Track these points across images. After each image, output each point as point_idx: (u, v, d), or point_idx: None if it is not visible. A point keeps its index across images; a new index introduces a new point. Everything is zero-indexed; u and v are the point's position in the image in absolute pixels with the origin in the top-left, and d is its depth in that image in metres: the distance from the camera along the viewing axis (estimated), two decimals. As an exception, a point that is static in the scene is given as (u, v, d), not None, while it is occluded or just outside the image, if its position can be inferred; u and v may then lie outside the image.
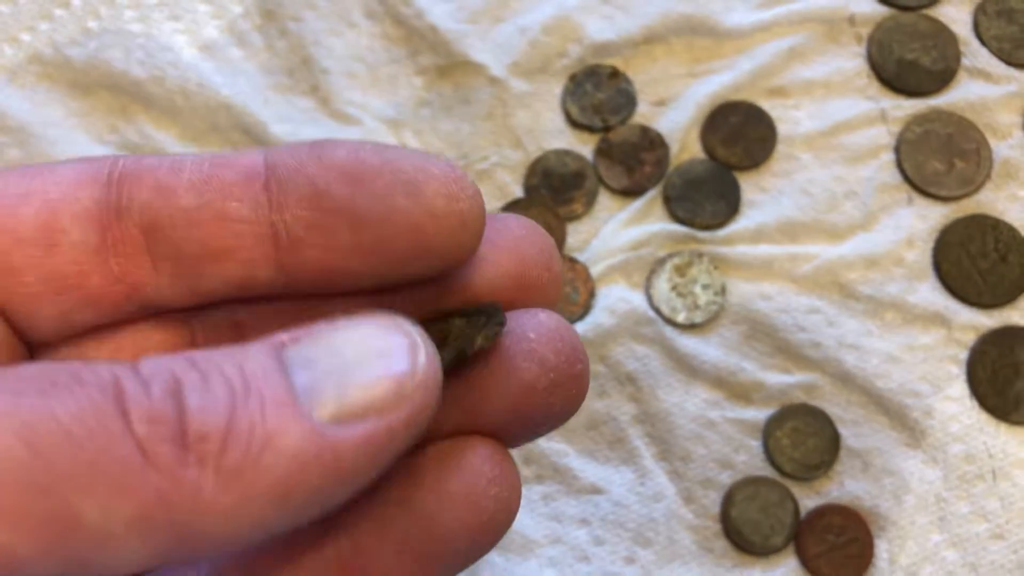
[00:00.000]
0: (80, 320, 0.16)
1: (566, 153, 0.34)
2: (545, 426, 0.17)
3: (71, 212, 0.16)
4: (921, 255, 0.33)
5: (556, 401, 0.16)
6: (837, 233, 0.33)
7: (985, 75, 0.35)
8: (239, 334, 0.18)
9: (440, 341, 0.16)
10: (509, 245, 0.17)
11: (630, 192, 0.34)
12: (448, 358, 0.16)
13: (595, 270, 0.33)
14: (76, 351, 0.17)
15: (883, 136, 0.35)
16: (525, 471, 0.31)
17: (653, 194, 0.34)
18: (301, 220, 0.15)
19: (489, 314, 0.16)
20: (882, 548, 0.31)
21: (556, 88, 0.35)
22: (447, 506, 0.16)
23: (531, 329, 0.16)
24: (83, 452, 0.12)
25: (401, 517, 0.16)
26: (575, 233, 0.34)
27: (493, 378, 0.16)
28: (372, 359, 0.14)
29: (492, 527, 0.16)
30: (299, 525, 0.14)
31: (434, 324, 0.16)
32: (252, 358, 0.13)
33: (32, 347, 0.17)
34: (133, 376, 0.13)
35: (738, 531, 0.31)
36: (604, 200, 0.34)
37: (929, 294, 0.33)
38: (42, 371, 0.12)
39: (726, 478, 0.31)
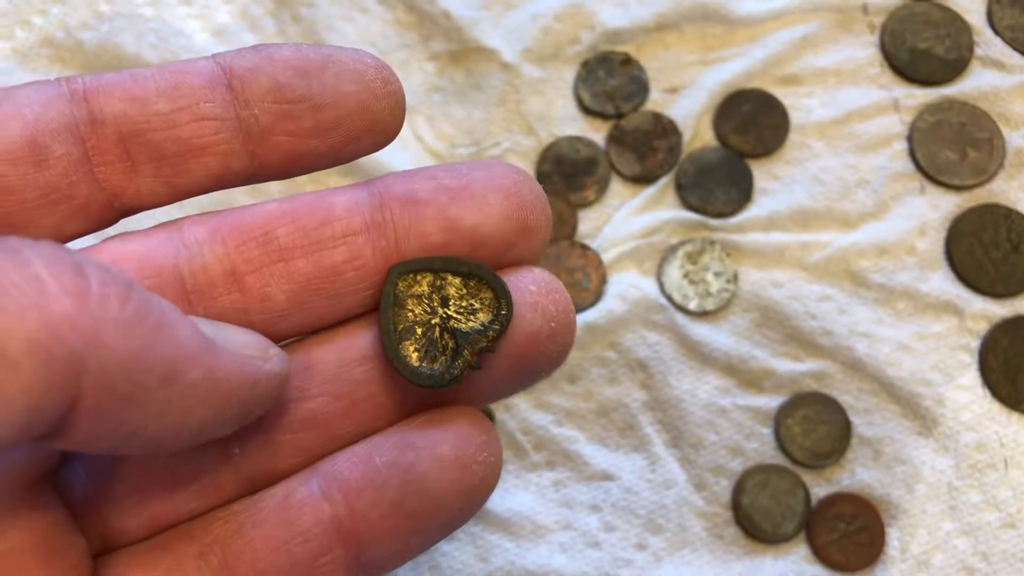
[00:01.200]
0: (70, 230, 0.18)
1: (578, 140, 0.34)
2: (544, 372, 0.19)
3: (49, 130, 0.17)
4: (933, 244, 0.33)
5: (555, 348, 0.18)
6: (849, 221, 0.33)
7: (999, 64, 0.35)
8: None
9: (453, 351, 0.18)
10: (510, 188, 0.18)
11: (642, 179, 0.34)
12: (460, 369, 0.18)
13: (607, 257, 0.33)
14: None
15: (896, 125, 0.34)
16: (536, 457, 0.31)
17: (665, 181, 0.34)
18: (268, 111, 0.18)
19: (496, 306, 0.18)
20: (893, 536, 0.30)
21: (568, 75, 0.35)
22: (440, 469, 0.17)
23: (531, 283, 0.18)
24: None
25: (395, 479, 0.17)
26: (587, 220, 0.34)
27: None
28: (240, 332, 0.17)
29: (482, 489, 0.18)
30: (163, 442, 0.15)
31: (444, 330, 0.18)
32: None
33: None
34: (24, 239, 0.13)
35: (749, 519, 0.31)
36: (616, 187, 0.34)
37: (941, 283, 0.33)
38: None
39: (737, 465, 0.31)
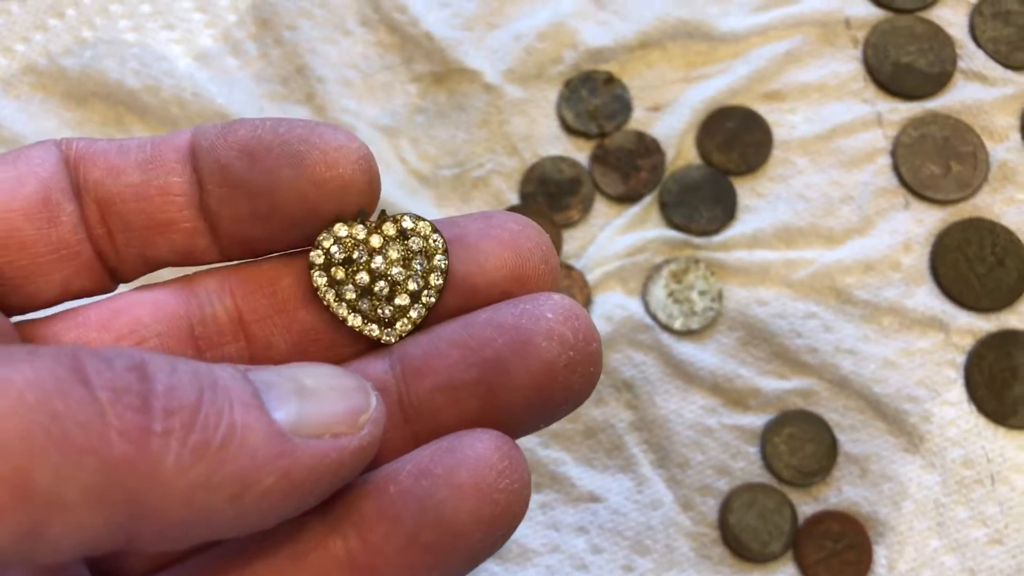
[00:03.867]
0: (77, 286, 0.18)
1: (562, 159, 0.34)
2: (565, 406, 0.17)
3: (59, 188, 0.17)
4: (918, 259, 0.33)
5: (575, 379, 0.17)
6: (834, 238, 0.33)
7: (981, 78, 0.35)
8: None
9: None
10: (506, 239, 0.18)
11: (626, 198, 0.34)
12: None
13: (591, 277, 0.33)
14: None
15: (879, 140, 0.34)
16: (523, 479, 0.31)
17: (649, 200, 0.34)
18: (213, 194, 0.17)
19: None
20: (881, 554, 0.30)
21: (551, 94, 0.35)
22: (457, 498, 0.16)
23: (548, 309, 0.17)
24: (37, 415, 0.12)
25: (411, 511, 0.16)
26: (571, 240, 0.34)
27: (516, 357, 0.17)
28: (330, 391, 0.15)
29: (505, 519, 0.16)
30: (240, 534, 0.14)
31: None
32: (219, 367, 0.14)
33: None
34: (94, 354, 0.13)
35: (736, 538, 0.31)
36: (600, 206, 0.34)
37: (926, 298, 0.33)
38: (10, 347, 0.13)
39: (724, 485, 0.31)
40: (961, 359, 0.32)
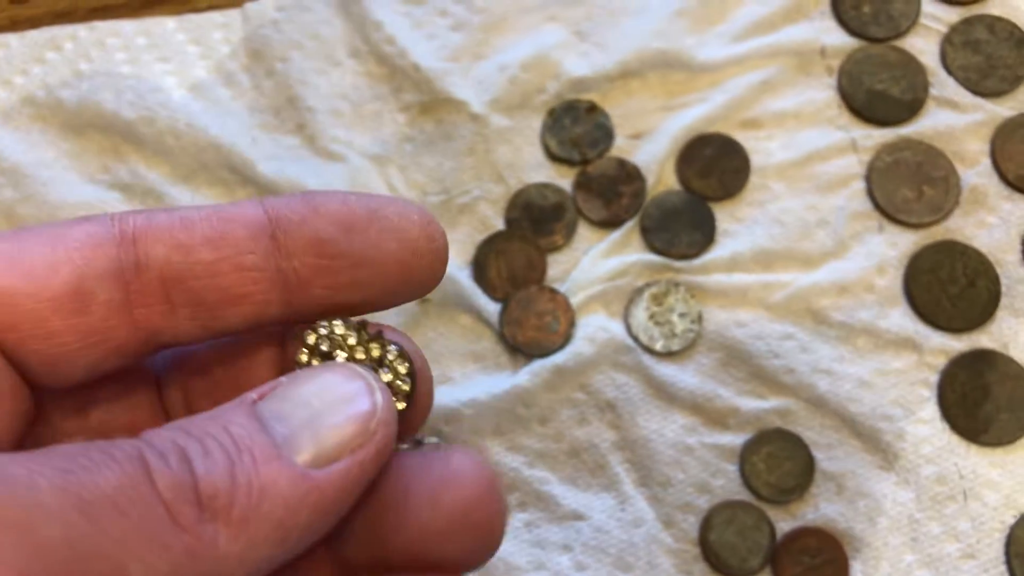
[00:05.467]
0: (106, 367, 0.18)
1: (546, 186, 0.35)
2: (463, 563, 0.18)
3: (95, 275, 0.17)
4: (892, 281, 0.34)
5: (470, 542, 0.18)
6: (810, 261, 0.34)
7: (953, 104, 0.36)
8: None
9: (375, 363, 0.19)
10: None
11: (608, 223, 0.35)
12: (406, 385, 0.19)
13: (575, 300, 0.34)
14: (83, 400, 0.19)
15: (854, 165, 0.36)
16: (508, 499, 0.32)
17: (631, 225, 0.35)
18: (308, 265, 0.18)
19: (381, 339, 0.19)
20: (857, 569, 0.31)
21: (535, 123, 0.36)
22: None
23: (448, 466, 0.18)
24: (127, 519, 0.14)
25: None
26: (555, 264, 0.35)
27: (410, 509, 0.18)
28: (338, 405, 0.16)
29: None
30: (297, 554, 0.16)
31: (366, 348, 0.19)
32: (234, 422, 0.16)
33: (36, 391, 0.18)
34: (150, 448, 0.15)
35: (716, 554, 0.31)
36: (583, 231, 0.35)
37: (900, 319, 0.34)
38: (79, 450, 0.14)
39: (704, 503, 0.32)
40: (934, 378, 0.33)
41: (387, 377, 0.19)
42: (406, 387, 0.19)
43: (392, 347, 0.19)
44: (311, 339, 0.18)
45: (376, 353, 0.19)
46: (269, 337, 0.20)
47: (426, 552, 0.17)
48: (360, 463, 0.16)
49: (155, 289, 0.18)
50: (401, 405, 0.18)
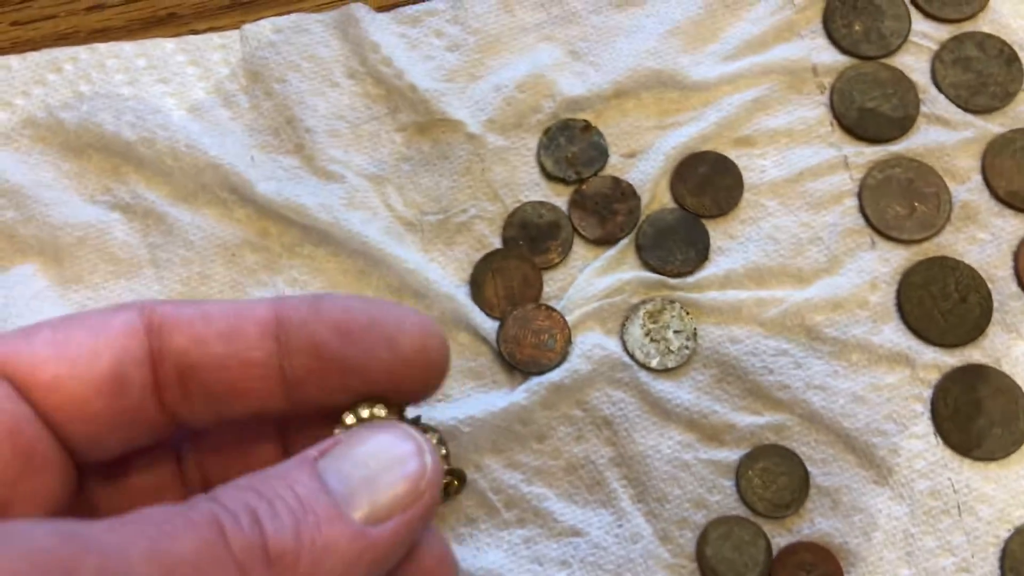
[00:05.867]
0: (137, 443, 0.20)
1: (541, 205, 0.36)
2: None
3: (131, 361, 0.19)
4: (885, 297, 0.35)
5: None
6: (803, 277, 0.35)
7: (943, 121, 0.37)
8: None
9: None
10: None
11: (604, 241, 0.35)
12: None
13: (571, 318, 0.34)
14: (115, 470, 0.21)
15: (846, 182, 0.36)
16: (507, 515, 0.33)
17: (626, 243, 0.35)
18: (303, 366, 0.19)
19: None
20: (852, 583, 0.32)
21: (531, 142, 0.36)
22: None
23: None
24: None
25: None
26: (552, 282, 0.35)
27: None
28: (392, 466, 0.18)
29: None
30: None
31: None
32: (299, 481, 0.17)
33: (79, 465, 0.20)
34: (224, 511, 0.16)
35: (713, 569, 0.32)
36: (579, 249, 0.35)
37: (893, 335, 0.34)
38: (162, 516, 0.16)
39: (701, 518, 0.32)
40: (927, 393, 0.34)
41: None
42: (444, 466, 0.20)
43: (431, 433, 0.20)
44: (350, 420, 0.19)
45: None
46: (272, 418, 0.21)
47: (391, 385, 0.19)
48: (410, 521, 0.18)
49: (173, 376, 0.19)
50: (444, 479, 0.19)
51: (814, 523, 0.32)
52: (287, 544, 0.16)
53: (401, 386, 0.19)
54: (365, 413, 0.19)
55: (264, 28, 0.37)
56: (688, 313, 0.34)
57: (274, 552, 0.16)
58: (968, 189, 0.36)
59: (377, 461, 0.18)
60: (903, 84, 0.37)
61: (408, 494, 0.18)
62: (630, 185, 0.36)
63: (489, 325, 0.34)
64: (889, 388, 0.34)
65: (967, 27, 0.38)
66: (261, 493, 0.17)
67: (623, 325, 0.34)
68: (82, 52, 0.37)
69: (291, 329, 0.19)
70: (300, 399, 0.20)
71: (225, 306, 0.19)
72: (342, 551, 0.16)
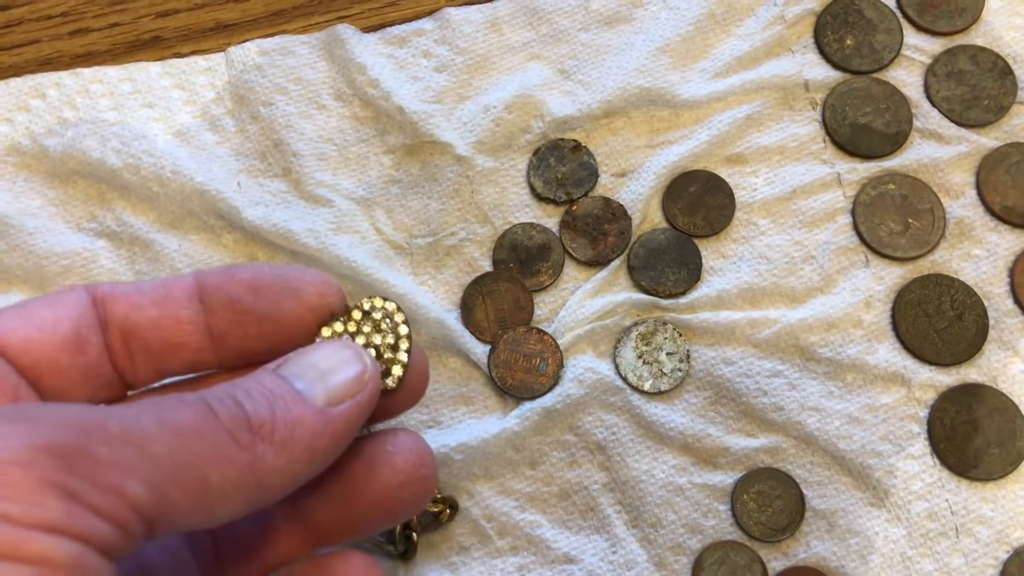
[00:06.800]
0: (99, 398, 0.23)
1: (532, 226, 0.35)
2: (400, 515, 0.24)
3: (86, 325, 0.23)
4: (879, 316, 0.34)
5: (407, 495, 0.24)
6: (796, 297, 0.34)
7: (937, 136, 0.36)
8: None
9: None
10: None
11: (595, 263, 0.35)
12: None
13: (563, 341, 0.34)
14: None
15: (839, 200, 0.36)
16: (500, 543, 0.32)
17: (617, 264, 0.35)
18: (223, 320, 0.23)
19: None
20: (849, 608, 0.31)
21: (520, 163, 0.36)
22: None
23: (389, 443, 0.24)
24: (204, 441, 0.19)
25: None
26: (543, 304, 0.35)
27: (363, 476, 0.23)
28: (339, 365, 0.22)
29: None
30: (314, 475, 0.21)
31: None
32: (266, 380, 0.21)
33: None
34: (210, 396, 0.20)
35: (708, 596, 0.31)
36: (570, 271, 0.35)
37: (888, 354, 0.34)
38: (160, 399, 0.20)
39: (696, 543, 0.32)
40: (923, 413, 0.33)
41: (379, 314, 0.24)
42: (403, 358, 0.24)
43: (364, 300, 0.24)
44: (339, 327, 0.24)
45: (358, 315, 0.24)
46: None
47: (387, 502, 0.23)
48: (359, 404, 0.22)
49: (119, 340, 0.23)
50: (399, 371, 0.24)
51: (810, 546, 0.32)
52: (264, 418, 0.20)
53: (308, 327, 0.23)
54: (328, 331, 0.24)
55: (250, 51, 0.37)
56: (681, 335, 0.34)
57: (255, 422, 0.20)
58: (962, 205, 0.35)
59: (326, 362, 0.22)
60: (896, 99, 0.37)
61: (355, 383, 0.22)
62: (621, 205, 0.35)
63: (480, 349, 0.34)
64: (885, 408, 0.33)
65: (960, 40, 0.38)
66: (238, 386, 0.20)
67: (615, 347, 0.34)
68: (66, 77, 0.37)
69: (211, 291, 0.23)
70: (227, 350, 0.23)
71: (155, 281, 0.24)
72: (308, 424, 0.20)
